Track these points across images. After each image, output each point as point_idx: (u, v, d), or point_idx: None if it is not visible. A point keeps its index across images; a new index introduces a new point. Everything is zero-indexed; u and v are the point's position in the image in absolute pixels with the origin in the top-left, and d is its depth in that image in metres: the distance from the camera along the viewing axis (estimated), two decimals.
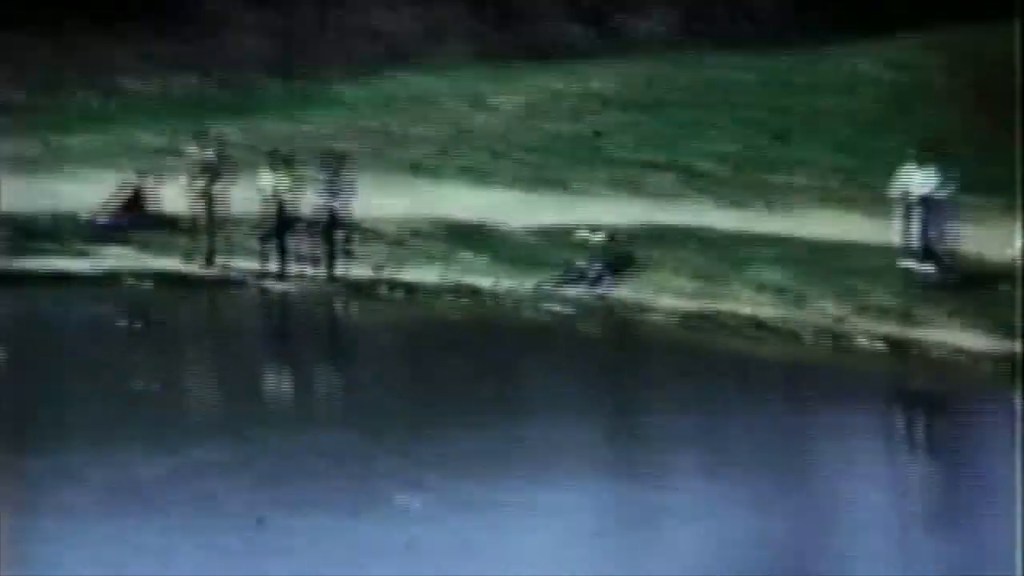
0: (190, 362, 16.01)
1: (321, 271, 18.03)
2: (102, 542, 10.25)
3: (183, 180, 18.69)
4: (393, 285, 17.82)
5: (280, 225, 18.22)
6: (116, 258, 18.64)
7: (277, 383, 15.40)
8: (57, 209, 19.55)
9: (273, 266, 18.15)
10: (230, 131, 22.33)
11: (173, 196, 18.89)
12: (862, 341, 15.39)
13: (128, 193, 19.49)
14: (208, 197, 18.58)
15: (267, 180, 18.29)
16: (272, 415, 13.91)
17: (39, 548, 10.19)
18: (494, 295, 17.40)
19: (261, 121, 23.58)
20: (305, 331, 18.17)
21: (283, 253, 18.15)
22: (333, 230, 18.15)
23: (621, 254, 17.48)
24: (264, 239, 18.22)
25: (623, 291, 17.00)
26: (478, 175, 20.74)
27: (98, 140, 22.97)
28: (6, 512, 10.72)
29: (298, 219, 18.29)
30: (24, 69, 26.33)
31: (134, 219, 19.29)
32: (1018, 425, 12.77)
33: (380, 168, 21.00)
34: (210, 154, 18.83)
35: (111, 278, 18.27)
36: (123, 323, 16.87)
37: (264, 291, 18.09)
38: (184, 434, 12.74)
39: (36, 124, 23.73)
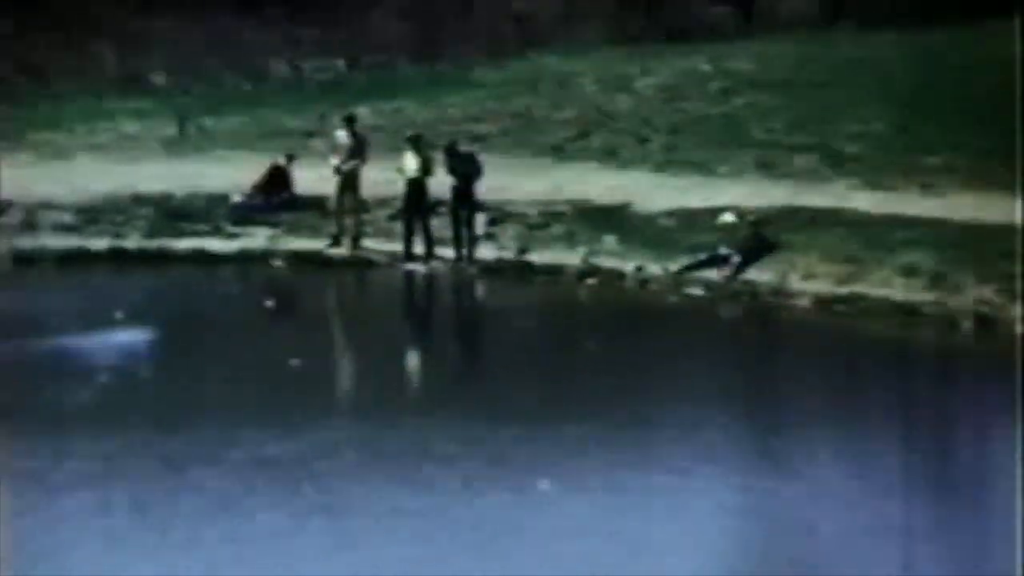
0: (330, 344, 16.20)
1: (462, 254, 18.13)
2: (233, 521, 10.40)
3: (331, 162, 18.96)
4: (534, 268, 17.83)
5: (422, 208, 18.37)
6: (264, 239, 19.00)
7: (415, 366, 15.52)
8: (208, 191, 20.02)
9: (415, 249, 18.32)
10: (373, 114, 22.62)
11: (319, 179, 19.18)
12: (1018, 328, 14.90)
13: (276, 175, 19.84)
14: (354, 180, 18.83)
15: (410, 163, 18.45)
16: (408, 398, 14.00)
17: (176, 527, 10.39)
18: (635, 278, 17.29)
19: (403, 105, 23.80)
20: (445, 314, 18.27)
21: (425, 236, 18.30)
22: (473, 213, 18.24)
23: (764, 238, 17.21)
24: (407, 222, 18.39)
25: (766, 275, 16.72)
26: (620, 158, 20.61)
27: (246, 123, 23.44)
28: (147, 490, 10.98)
29: (439, 202, 18.43)
30: (176, 55, 27.01)
31: (281, 201, 19.63)
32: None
33: (521, 151, 21.03)
34: (356, 137, 19.07)
35: (258, 259, 18.62)
36: (269, 304, 17.19)
37: (406, 273, 18.26)
38: (322, 415, 12.87)
39: (188, 108, 24.33)
